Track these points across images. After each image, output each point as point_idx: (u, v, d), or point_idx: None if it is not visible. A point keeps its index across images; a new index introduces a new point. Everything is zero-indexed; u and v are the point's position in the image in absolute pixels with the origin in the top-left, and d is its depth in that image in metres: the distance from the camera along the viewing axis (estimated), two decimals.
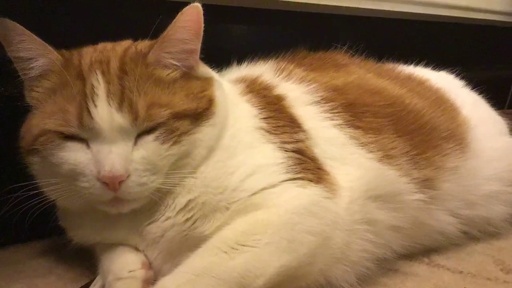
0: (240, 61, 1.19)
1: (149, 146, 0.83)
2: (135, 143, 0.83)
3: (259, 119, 0.97)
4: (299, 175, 0.92)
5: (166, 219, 0.89)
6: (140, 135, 0.83)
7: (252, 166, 0.91)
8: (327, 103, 1.05)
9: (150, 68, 0.86)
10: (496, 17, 2.49)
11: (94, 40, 0.96)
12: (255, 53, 1.19)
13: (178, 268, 0.81)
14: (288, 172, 0.91)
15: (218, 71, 1.07)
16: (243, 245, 0.82)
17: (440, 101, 1.24)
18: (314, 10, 1.77)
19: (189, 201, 0.88)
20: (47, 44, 0.86)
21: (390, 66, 1.41)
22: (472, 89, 1.44)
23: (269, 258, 0.82)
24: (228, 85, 1.03)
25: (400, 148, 1.04)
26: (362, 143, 1.01)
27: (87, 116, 0.81)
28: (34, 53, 0.86)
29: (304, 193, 0.90)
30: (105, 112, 0.81)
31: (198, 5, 0.86)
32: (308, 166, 0.94)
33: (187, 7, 0.86)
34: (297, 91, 1.07)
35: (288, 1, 1.68)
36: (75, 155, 0.82)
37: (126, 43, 0.93)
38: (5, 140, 0.93)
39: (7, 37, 0.84)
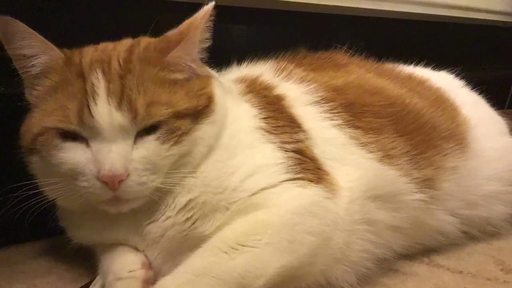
0: (240, 61, 1.19)
1: (150, 146, 0.83)
2: (135, 142, 0.83)
3: (259, 119, 0.97)
4: (299, 175, 0.92)
5: (166, 219, 0.89)
6: (140, 134, 0.83)
7: (252, 166, 0.91)
8: (327, 103, 1.05)
9: (166, 69, 0.86)
10: (496, 17, 2.49)
11: (94, 40, 0.95)
12: (255, 53, 1.19)
13: (178, 268, 0.81)
14: (288, 172, 0.91)
15: (218, 71, 1.07)
16: (243, 245, 0.82)
17: (440, 101, 1.24)
18: (314, 10, 1.77)
19: (189, 200, 0.88)
20: (49, 42, 0.86)
21: (390, 66, 1.40)
22: (472, 89, 1.44)
23: (269, 259, 0.82)
24: (227, 85, 1.02)
25: (400, 148, 1.04)
26: (362, 143, 1.01)
27: (88, 114, 0.81)
28: (36, 50, 0.86)
29: (304, 193, 0.90)
30: (105, 111, 0.81)
31: (212, 5, 0.87)
32: (308, 166, 0.94)
33: (207, 6, 0.87)
34: (297, 91, 1.07)
35: (288, 1, 1.68)
36: (74, 154, 0.82)
37: (126, 42, 0.93)
38: (5, 140, 0.92)
39: (8, 35, 0.84)
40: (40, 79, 0.87)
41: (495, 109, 1.43)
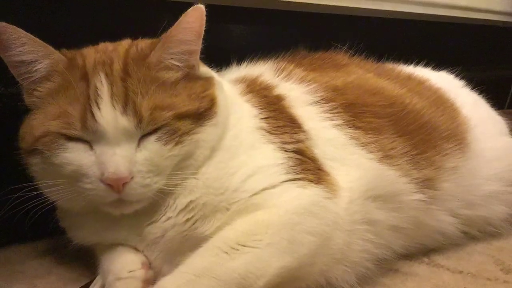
0: (240, 61, 1.19)
1: (152, 147, 0.83)
2: (138, 144, 0.83)
3: (259, 119, 0.97)
4: (299, 176, 0.92)
5: (167, 220, 0.89)
6: (142, 136, 0.83)
7: (253, 166, 0.91)
8: (327, 103, 1.05)
9: (152, 69, 0.86)
10: (496, 17, 2.49)
11: (94, 40, 0.95)
12: (255, 53, 1.19)
13: (178, 268, 0.81)
14: (288, 173, 0.91)
15: (218, 71, 1.07)
16: (244, 246, 0.82)
17: (440, 101, 1.24)
18: (314, 10, 1.77)
19: (190, 201, 0.88)
20: (48, 45, 0.85)
21: (390, 66, 1.40)
22: (472, 89, 1.44)
23: (269, 259, 0.82)
24: (228, 85, 1.02)
25: (400, 148, 1.04)
26: (362, 143, 1.01)
27: (91, 119, 0.81)
28: (37, 55, 0.85)
29: (305, 194, 0.90)
30: (109, 115, 0.81)
31: (201, 6, 0.85)
32: (308, 167, 0.94)
33: (191, 8, 0.85)
34: (297, 91, 1.07)
35: (288, 1, 1.68)
36: (78, 156, 0.82)
37: (126, 43, 0.93)
38: (5, 140, 0.92)
39: (4, 42, 0.83)
40: (41, 83, 0.86)
41: (495, 109, 1.43)
